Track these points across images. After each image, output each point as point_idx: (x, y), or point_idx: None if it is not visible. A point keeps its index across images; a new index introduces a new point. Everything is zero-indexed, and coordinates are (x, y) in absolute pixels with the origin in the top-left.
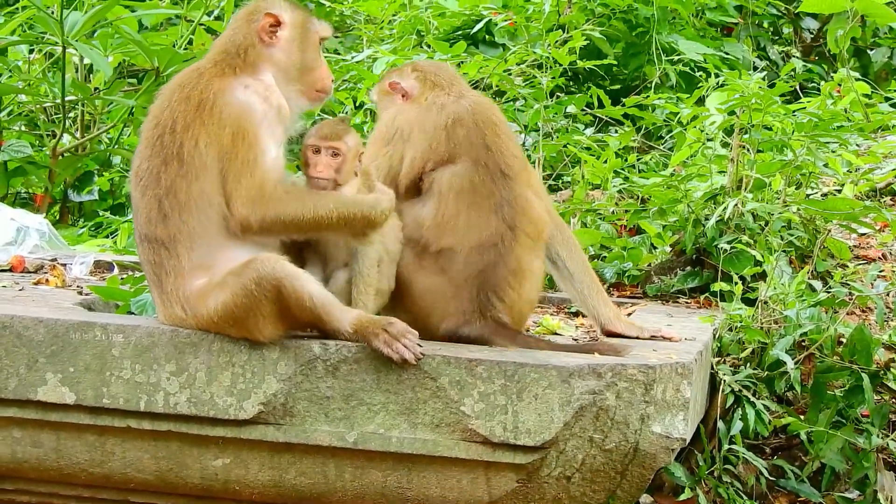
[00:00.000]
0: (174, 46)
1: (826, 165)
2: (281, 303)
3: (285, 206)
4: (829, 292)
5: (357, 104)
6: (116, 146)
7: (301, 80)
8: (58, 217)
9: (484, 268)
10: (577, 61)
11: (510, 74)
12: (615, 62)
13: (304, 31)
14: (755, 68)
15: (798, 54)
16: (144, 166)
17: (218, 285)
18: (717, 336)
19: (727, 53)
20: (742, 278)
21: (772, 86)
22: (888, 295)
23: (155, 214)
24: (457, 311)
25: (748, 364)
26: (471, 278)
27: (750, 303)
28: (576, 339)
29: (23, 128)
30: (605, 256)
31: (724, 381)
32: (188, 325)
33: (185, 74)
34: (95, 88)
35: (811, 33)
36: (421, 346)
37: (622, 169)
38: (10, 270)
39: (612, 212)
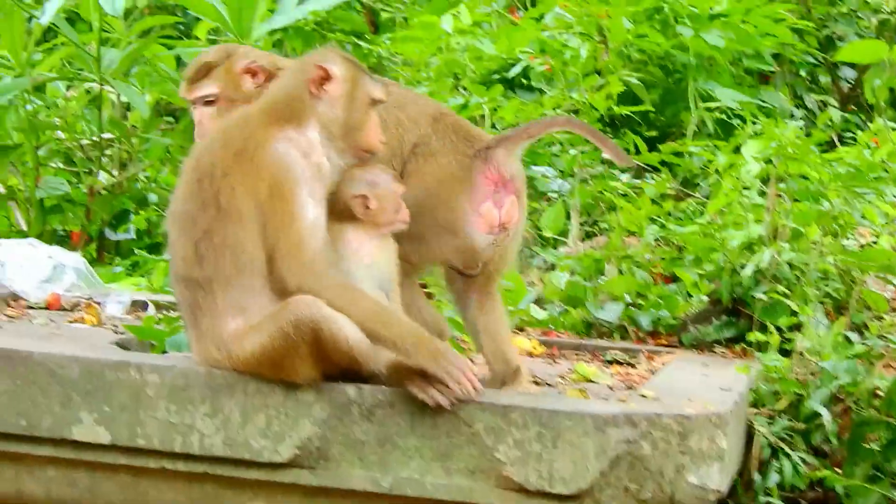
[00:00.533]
0: None
1: (863, 216)
2: (318, 346)
3: (323, 288)
4: (865, 344)
5: None
6: (153, 185)
7: (346, 138)
8: (94, 255)
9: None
10: (614, 107)
11: None
12: (652, 108)
13: (354, 88)
14: (792, 116)
15: (835, 103)
16: (182, 208)
17: (254, 328)
18: (753, 387)
19: (764, 101)
20: (778, 328)
21: (808, 135)
22: None
23: (191, 256)
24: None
25: (784, 415)
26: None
27: (787, 353)
28: (611, 388)
29: (60, 165)
30: (640, 304)
31: (760, 432)
32: (223, 365)
33: (231, 119)
34: (132, 126)
35: (849, 82)
36: (456, 392)
37: (658, 216)
38: (46, 308)
39: (648, 259)
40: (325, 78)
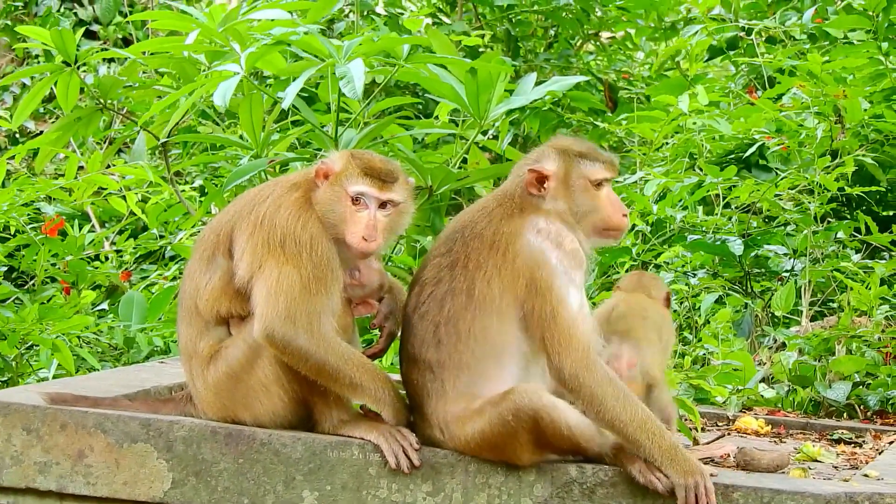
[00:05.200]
0: (447, 164)
1: None
2: (538, 433)
3: (596, 382)
4: None
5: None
6: (389, 263)
7: (584, 223)
8: None
9: None
10: (846, 187)
11: (780, 199)
12: (887, 188)
13: (567, 177)
14: None
15: None
16: (428, 291)
17: (476, 412)
18: None
19: None
20: None
21: None
22: None
23: (430, 338)
24: None
25: None
26: None
27: None
28: (836, 467)
29: None
30: (869, 384)
31: None
32: (445, 447)
33: (473, 211)
34: None
35: None
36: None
37: (893, 297)
38: None
39: (878, 339)
40: (542, 178)
